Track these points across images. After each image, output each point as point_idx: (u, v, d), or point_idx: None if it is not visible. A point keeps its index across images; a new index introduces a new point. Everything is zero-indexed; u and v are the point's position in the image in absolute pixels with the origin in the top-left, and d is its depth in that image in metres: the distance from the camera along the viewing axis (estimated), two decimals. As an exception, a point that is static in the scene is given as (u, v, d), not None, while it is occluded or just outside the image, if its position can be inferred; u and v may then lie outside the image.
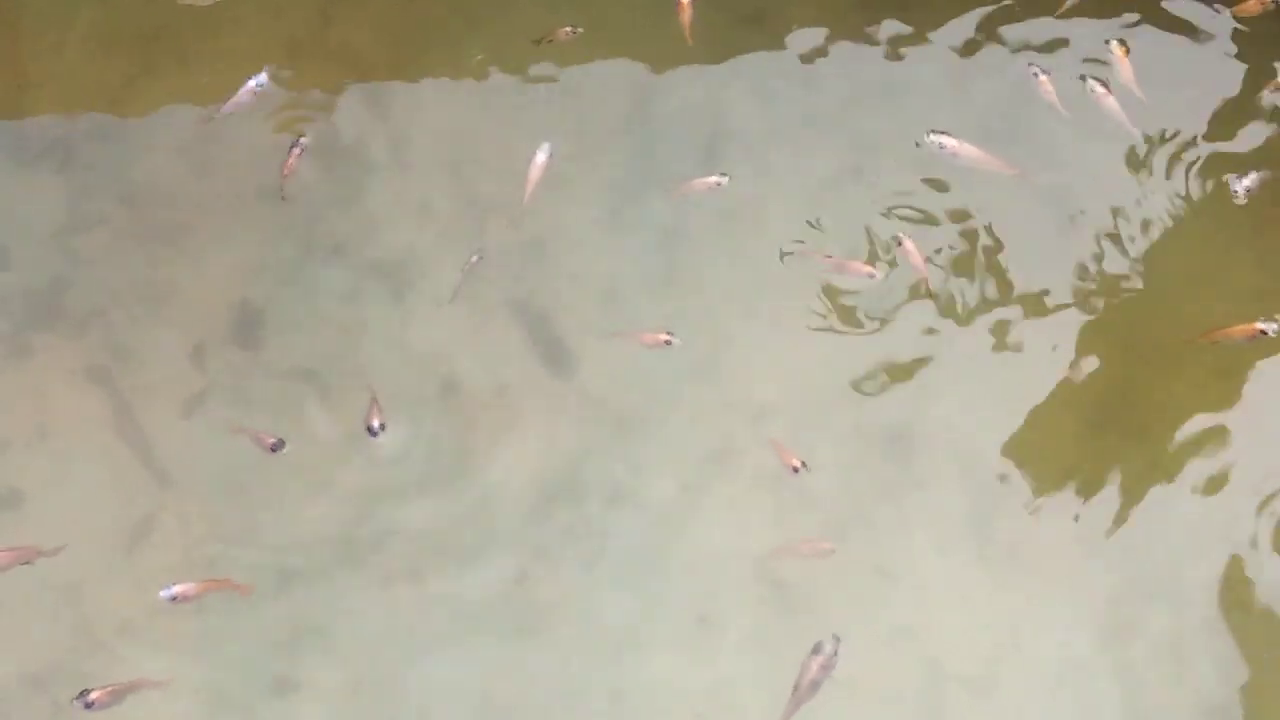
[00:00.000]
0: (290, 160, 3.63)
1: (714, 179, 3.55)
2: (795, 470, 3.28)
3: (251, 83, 3.68)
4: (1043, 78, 3.67)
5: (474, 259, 3.50)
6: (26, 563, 3.30)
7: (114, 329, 3.66)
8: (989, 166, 3.67)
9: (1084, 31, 4.04)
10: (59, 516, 3.41)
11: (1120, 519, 3.42)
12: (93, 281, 3.72)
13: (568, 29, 3.83)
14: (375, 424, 3.31)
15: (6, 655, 3.29)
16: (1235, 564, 3.39)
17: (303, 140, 3.63)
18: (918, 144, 3.71)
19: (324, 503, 3.47)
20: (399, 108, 3.97)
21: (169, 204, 3.81)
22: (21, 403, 3.54)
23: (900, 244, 3.50)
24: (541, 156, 3.58)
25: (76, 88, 3.96)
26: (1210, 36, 4.03)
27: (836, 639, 3.16)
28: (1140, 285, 3.69)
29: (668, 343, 3.46)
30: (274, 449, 3.30)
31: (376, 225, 3.80)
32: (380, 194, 3.85)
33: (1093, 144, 3.93)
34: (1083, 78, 3.72)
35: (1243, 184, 3.51)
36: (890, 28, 4.08)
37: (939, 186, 3.83)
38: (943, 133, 3.66)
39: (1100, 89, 3.71)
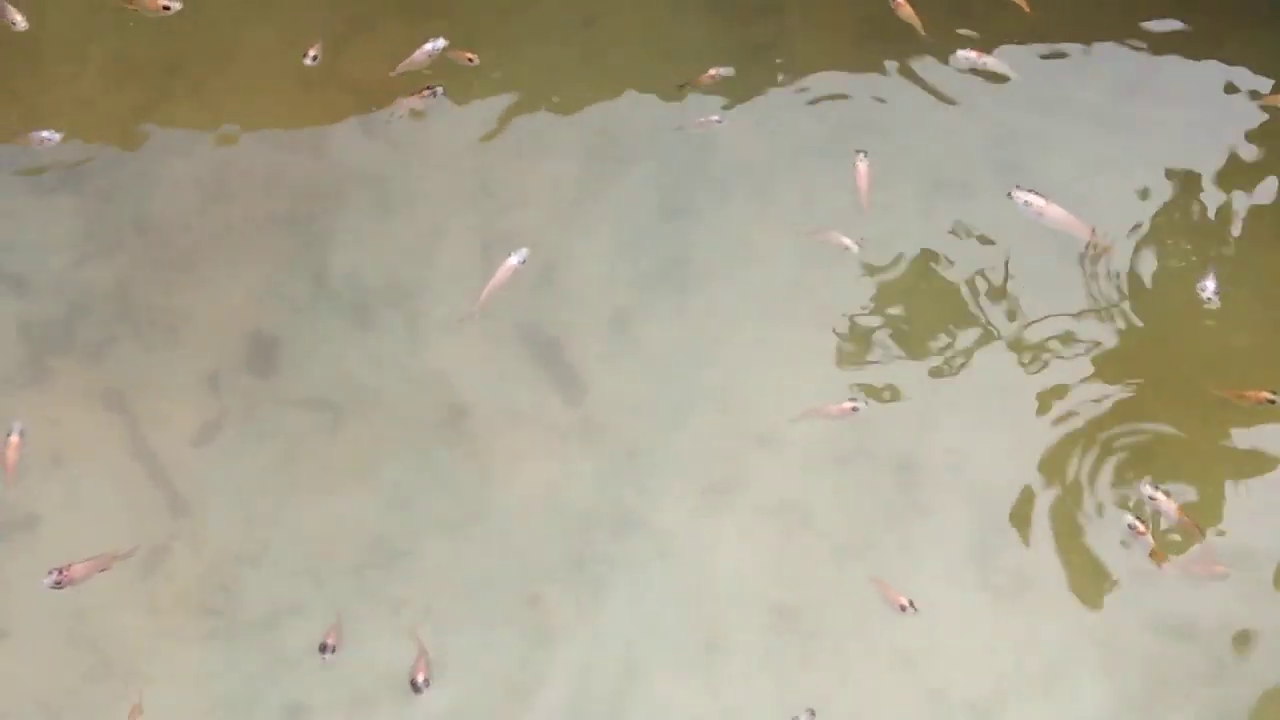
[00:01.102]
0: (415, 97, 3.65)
1: (846, 241, 3.52)
2: (903, 609, 3.18)
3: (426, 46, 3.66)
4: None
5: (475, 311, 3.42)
6: (104, 570, 3.30)
7: (129, 356, 3.66)
8: (1069, 229, 3.65)
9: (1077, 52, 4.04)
10: (74, 541, 3.38)
11: (1123, 548, 3.37)
12: (108, 308, 3.72)
13: (713, 72, 3.84)
14: (420, 679, 3.22)
15: (21, 682, 3.28)
16: (1235, 595, 3.33)
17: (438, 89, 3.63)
18: (1009, 195, 3.63)
19: (337, 530, 3.42)
20: (409, 138, 3.95)
21: (183, 232, 3.82)
22: (37, 428, 3.52)
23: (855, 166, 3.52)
24: (515, 260, 3.50)
25: (93, 117, 3.98)
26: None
27: (811, 713, 3.15)
28: (1142, 323, 3.67)
29: (854, 410, 3.41)
30: (323, 650, 3.22)
31: (388, 253, 3.78)
32: (392, 222, 3.85)
33: (1100, 177, 3.90)
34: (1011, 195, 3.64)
35: (1210, 286, 3.42)
36: (890, 62, 4.07)
37: (946, 219, 3.80)
38: (1030, 190, 3.61)
39: (1038, 202, 3.64)
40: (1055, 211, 3.59)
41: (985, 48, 3.97)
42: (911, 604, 3.19)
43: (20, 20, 3.68)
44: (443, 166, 3.90)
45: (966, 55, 3.68)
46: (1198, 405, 3.59)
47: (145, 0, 3.63)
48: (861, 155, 3.58)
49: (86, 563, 3.27)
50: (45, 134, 3.70)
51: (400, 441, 3.56)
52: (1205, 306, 3.44)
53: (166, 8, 3.59)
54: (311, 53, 3.65)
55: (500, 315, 3.70)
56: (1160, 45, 4.17)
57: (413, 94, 3.65)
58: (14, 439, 3.34)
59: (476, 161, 3.97)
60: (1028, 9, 3.83)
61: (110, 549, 3.35)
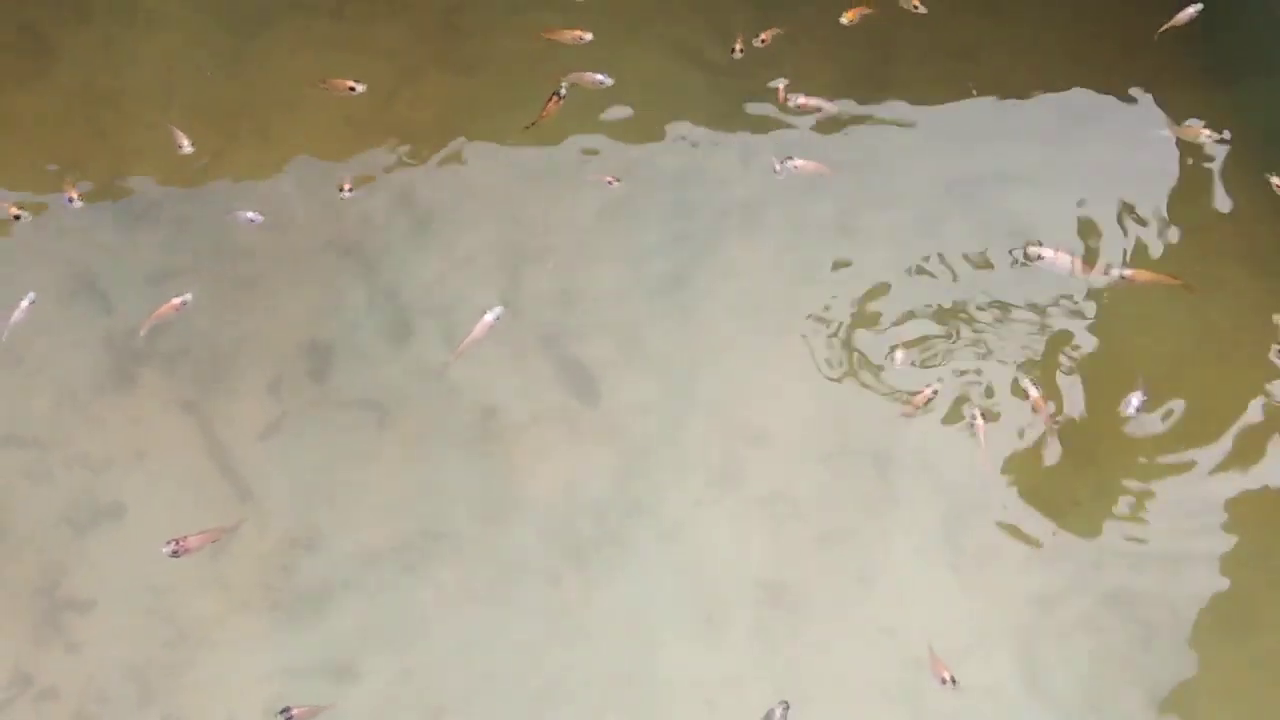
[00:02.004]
0: (550, 105, 3.81)
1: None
2: (944, 682, 3.21)
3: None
4: None
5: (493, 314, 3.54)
6: (214, 541, 3.41)
7: (201, 364, 3.77)
8: (1079, 273, 3.72)
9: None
10: (155, 526, 3.48)
11: (1074, 534, 3.51)
12: (183, 324, 3.80)
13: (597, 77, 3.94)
14: None
15: (108, 648, 3.37)
16: (1169, 575, 3.48)
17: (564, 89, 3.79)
18: (1018, 255, 3.76)
19: (383, 516, 3.54)
20: (449, 172, 4.08)
21: (249, 257, 3.92)
22: (122, 428, 3.65)
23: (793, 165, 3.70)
24: (490, 317, 3.54)
25: (171, 157, 4.03)
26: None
27: (785, 705, 3.23)
28: (1095, 335, 3.78)
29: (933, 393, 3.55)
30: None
31: (427, 273, 3.90)
32: (430, 246, 3.95)
33: (1049, 202, 4.03)
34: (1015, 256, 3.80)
35: (1133, 405, 3.48)
36: (864, 108, 4.21)
37: (913, 241, 3.93)
38: (1039, 243, 3.69)
39: (1049, 253, 3.69)
40: (1064, 259, 3.68)
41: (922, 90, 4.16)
42: (953, 679, 3.21)
43: (187, 145, 3.87)
44: (475, 198, 4.02)
45: (796, 100, 3.86)
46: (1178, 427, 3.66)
47: (335, 84, 3.84)
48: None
49: (199, 535, 3.36)
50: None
51: (437, 438, 3.65)
52: (1123, 416, 3.48)
53: (352, 88, 3.81)
54: (357, 87, 3.83)
55: (525, 328, 3.80)
56: (1104, 83, 4.26)
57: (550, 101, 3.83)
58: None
59: (504, 194, 4.04)
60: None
61: (218, 524, 3.44)
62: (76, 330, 3.80)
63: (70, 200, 3.81)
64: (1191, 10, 3.85)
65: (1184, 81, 4.25)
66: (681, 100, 4.19)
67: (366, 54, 4.28)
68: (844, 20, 3.89)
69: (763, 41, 4.00)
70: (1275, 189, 3.75)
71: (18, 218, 3.79)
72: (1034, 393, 3.54)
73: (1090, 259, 3.77)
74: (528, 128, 3.89)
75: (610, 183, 3.79)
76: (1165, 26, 3.87)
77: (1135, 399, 3.42)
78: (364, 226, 4.01)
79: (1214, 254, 3.98)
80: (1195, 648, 3.39)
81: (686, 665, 3.39)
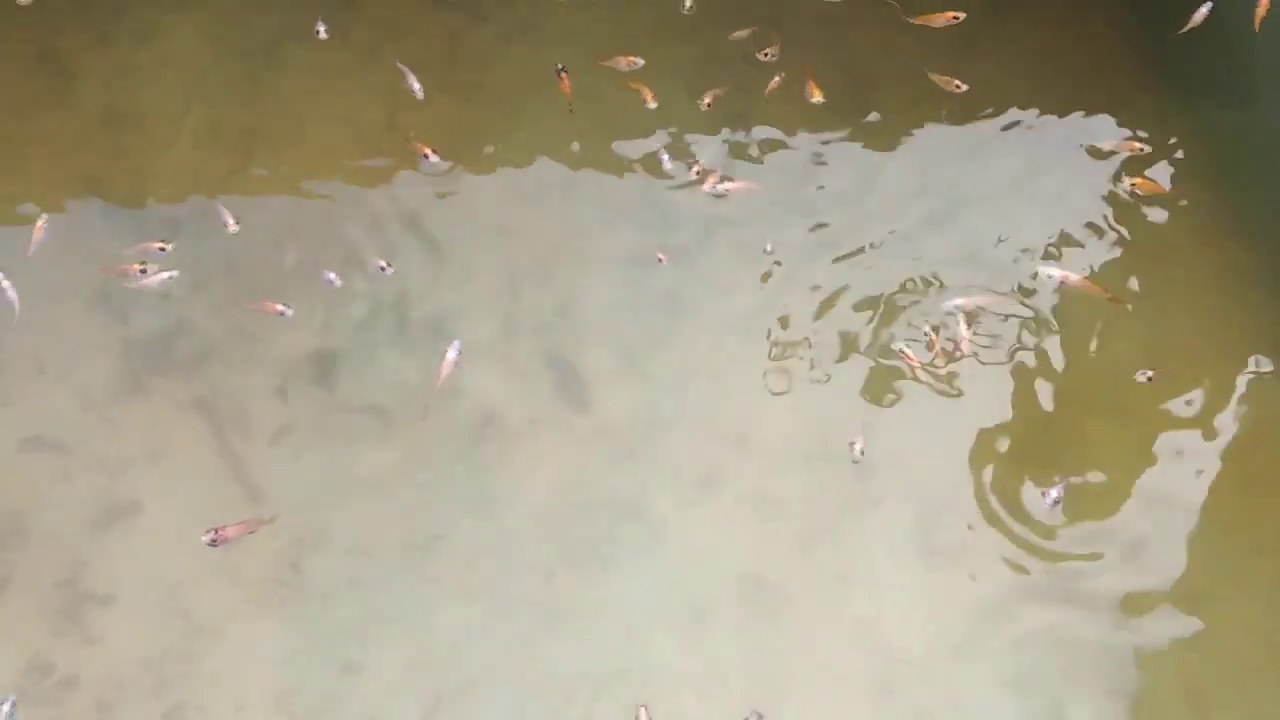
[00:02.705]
0: (564, 84, 3.94)
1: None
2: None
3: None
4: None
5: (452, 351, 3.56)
6: (251, 533, 3.45)
7: (214, 371, 3.78)
8: (1090, 292, 3.73)
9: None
10: (170, 524, 3.52)
11: (1037, 532, 3.58)
12: (197, 333, 3.84)
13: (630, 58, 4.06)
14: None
15: (125, 641, 3.39)
16: (1128, 573, 3.54)
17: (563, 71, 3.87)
18: (1033, 276, 3.83)
19: (386, 516, 3.56)
20: (450, 191, 4.12)
21: (260, 271, 3.93)
22: (139, 431, 3.66)
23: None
24: (452, 354, 3.56)
25: (187, 175, 4.09)
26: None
27: (759, 716, 3.30)
28: (1059, 345, 3.86)
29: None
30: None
31: (429, 285, 3.93)
32: (432, 260, 3.97)
33: (1013, 223, 4.10)
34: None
35: (1050, 497, 3.52)
36: (835, 132, 4.27)
37: (900, 260, 3.99)
38: (1052, 263, 3.83)
39: (1060, 272, 3.74)
40: (1074, 278, 3.71)
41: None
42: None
43: (419, 88, 3.96)
44: (474, 215, 4.06)
45: (711, 187, 3.93)
46: (1098, 415, 3.77)
47: (416, 146, 3.91)
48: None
49: (237, 526, 3.40)
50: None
51: (437, 443, 3.67)
52: (1047, 513, 3.54)
53: (427, 156, 3.87)
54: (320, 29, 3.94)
55: (523, 339, 3.83)
56: (1067, 107, 4.35)
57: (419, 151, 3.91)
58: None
59: (502, 211, 4.06)
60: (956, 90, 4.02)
61: (254, 517, 3.48)
62: (95, 339, 3.81)
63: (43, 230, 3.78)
64: (1204, 10, 3.89)
65: (1142, 106, 4.34)
66: (668, 122, 4.23)
67: (370, 80, 4.30)
68: (812, 99, 4.03)
69: (766, 55, 4.12)
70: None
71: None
72: (932, 335, 3.72)
73: (1094, 279, 3.82)
74: (571, 111, 4.07)
75: (660, 260, 3.88)
76: (1184, 28, 3.91)
77: (1054, 492, 3.48)
78: (369, 242, 4.01)
79: (1164, 268, 4.04)
80: (1152, 644, 3.45)
81: (674, 658, 3.42)
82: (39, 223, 3.80)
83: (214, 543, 3.36)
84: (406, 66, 4.04)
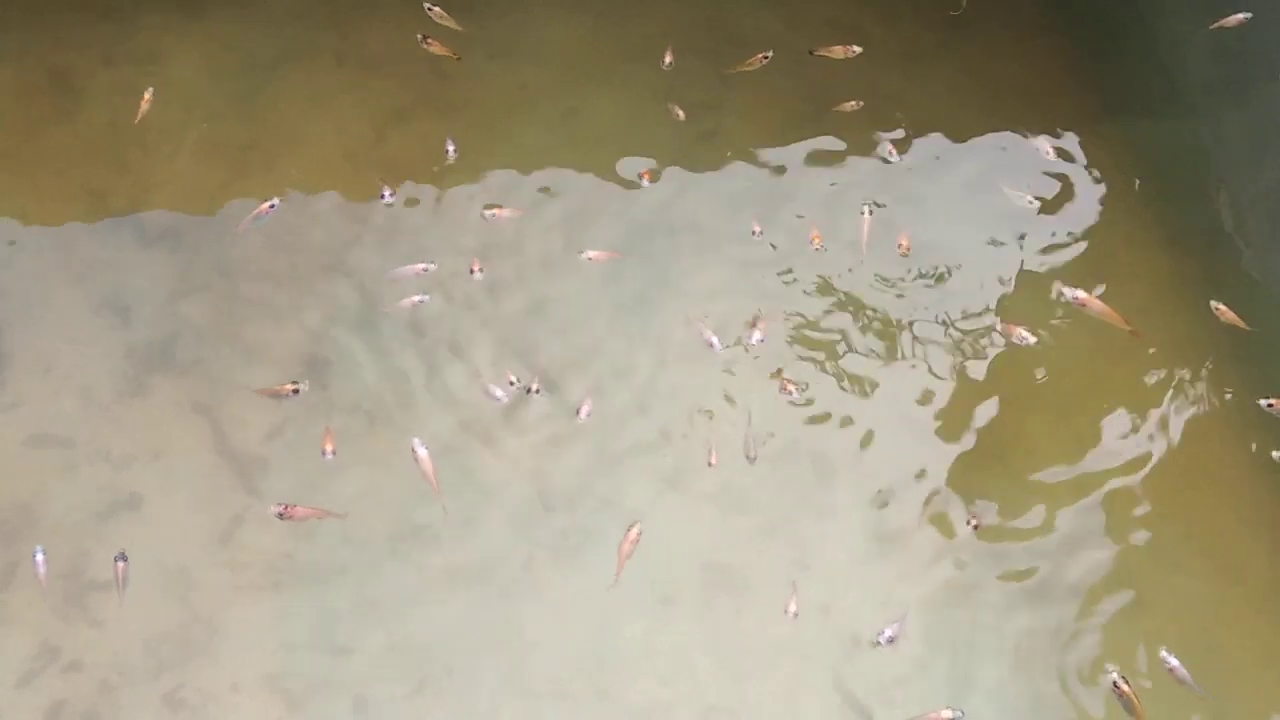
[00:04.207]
0: (256, 212, 3.87)
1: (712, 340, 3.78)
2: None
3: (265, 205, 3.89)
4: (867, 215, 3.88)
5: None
6: (319, 518, 3.51)
7: (213, 372, 3.79)
8: (1106, 318, 3.73)
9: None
10: (170, 516, 3.54)
11: (987, 525, 3.64)
12: (197, 336, 3.85)
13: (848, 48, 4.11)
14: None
15: (128, 626, 3.40)
16: (1069, 562, 3.61)
17: (275, 203, 3.85)
18: (1058, 295, 3.85)
19: (374, 508, 3.58)
20: (433, 200, 4.15)
21: (257, 277, 3.96)
22: (141, 429, 3.68)
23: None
24: (421, 451, 3.54)
25: (186, 187, 4.11)
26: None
27: None
28: (1003, 348, 3.94)
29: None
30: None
31: (416, 292, 3.95)
32: (431, 265, 3.99)
33: (961, 229, 4.17)
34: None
35: (886, 635, 3.42)
36: (800, 144, 4.34)
37: (856, 269, 4.04)
38: (1076, 287, 3.77)
39: (1082, 295, 3.75)
40: (1095, 303, 3.74)
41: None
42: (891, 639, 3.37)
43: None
44: (455, 224, 4.08)
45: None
46: (1040, 414, 3.83)
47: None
48: (866, 209, 3.86)
49: (306, 509, 3.48)
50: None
51: (421, 440, 3.62)
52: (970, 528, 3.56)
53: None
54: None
55: (504, 342, 3.85)
56: (1014, 124, 4.44)
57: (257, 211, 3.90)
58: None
59: (486, 226, 4.09)
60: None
61: (325, 508, 3.51)
62: (100, 341, 3.82)
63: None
64: (1240, 16, 3.92)
65: (1079, 124, 4.43)
66: (642, 137, 4.31)
67: (362, 97, 4.34)
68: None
69: (766, 56, 4.19)
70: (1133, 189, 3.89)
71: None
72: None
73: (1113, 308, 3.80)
74: (459, 60, 4.07)
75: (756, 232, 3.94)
76: (1215, 25, 3.95)
77: (889, 630, 3.42)
78: (357, 251, 4.03)
79: (1098, 273, 4.10)
80: (1095, 624, 3.51)
81: (643, 639, 3.45)
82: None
83: (281, 516, 3.44)
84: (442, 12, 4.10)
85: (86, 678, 3.31)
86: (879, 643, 3.39)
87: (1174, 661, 3.31)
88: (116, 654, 3.35)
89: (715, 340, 3.78)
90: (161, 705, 3.28)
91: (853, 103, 4.25)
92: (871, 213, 3.91)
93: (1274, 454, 3.70)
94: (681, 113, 4.19)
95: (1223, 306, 3.71)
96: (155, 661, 3.35)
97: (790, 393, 3.67)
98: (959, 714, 3.29)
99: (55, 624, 3.38)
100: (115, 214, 4.08)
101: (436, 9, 4.12)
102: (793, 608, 3.42)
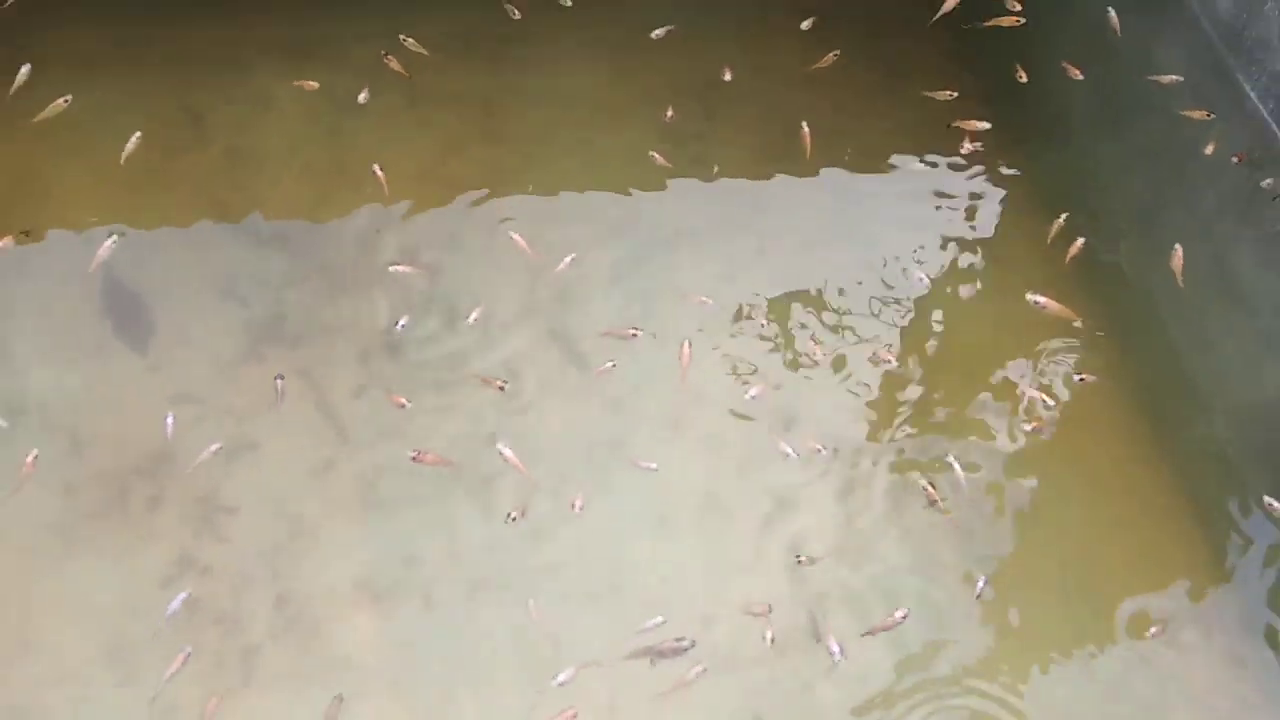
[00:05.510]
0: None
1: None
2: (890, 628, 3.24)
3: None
4: None
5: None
6: (445, 466, 3.51)
7: (312, 345, 3.84)
8: (1063, 315, 3.72)
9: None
10: (280, 456, 3.61)
11: (918, 469, 3.70)
12: (299, 316, 3.91)
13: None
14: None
15: (248, 541, 3.41)
16: (993, 501, 3.62)
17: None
18: (1033, 301, 3.70)
19: (436, 447, 3.57)
20: (483, 213, 4.19)
21: (345, 271, 4.02)
22: (256, 389, 3.72)
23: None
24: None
25: (290, 201, 4.19)
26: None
27: (693, 642, 3.24)
28: (940, 319, 3.99)
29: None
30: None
31: (471, 281, 4.00)
32: (471, 265, 4.05)
33: (912, 236, 4.19)
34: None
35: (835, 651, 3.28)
36: (773, 164, 4.35)
37: (819, 270, 4.08)
38: (1039, 294, 3.71)
39: (1043, 300, 3.71)
40: (1054, 305, 3.71)
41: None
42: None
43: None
44: (502, 231, 4.08)
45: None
46: (973, 381, 3.88)
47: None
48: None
49: (435, 456, 3.51)
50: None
51: (474, 396, 3.73)
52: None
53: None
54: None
55: (538, 322, 3.89)
56: (932, 152, 4.43)
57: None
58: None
59: (524, 227, 4.07)
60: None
61: (443, 457, 3.51)
62: (224, 319, 3.89)
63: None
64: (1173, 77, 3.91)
65: (994, 152, 4.45)
66: (642, 161, 4.32)
67: (426, 130, 4.40)
68: None
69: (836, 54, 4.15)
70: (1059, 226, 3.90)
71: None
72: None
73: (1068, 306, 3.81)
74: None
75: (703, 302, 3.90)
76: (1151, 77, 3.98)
77: (835, 645, 3.26)
78: (424, 252, 4.10)
79: (1005, 274, 4.17)
80: (1005, 542, 3.58)
81: (646, 553, 3.52)
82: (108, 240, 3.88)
83: (415, 459, 3.50)
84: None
85: (215, 581, 3.37)
86: (834, 654, 3.26)
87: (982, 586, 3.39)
88: (239, 563, 3.40)
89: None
90: (274, 603, 3.35)
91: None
92: None
93: None
94: (660, 158, 4.26)
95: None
96: (269, 569, 3.42)
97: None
98: (906, 613, 3.30)
99: (191, 540, 3.45)
100: (235, 221, 4.15)
101: (410, 40, 4.26)
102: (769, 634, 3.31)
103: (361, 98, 4.31)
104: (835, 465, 3.70)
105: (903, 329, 4.01)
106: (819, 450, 3.69)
